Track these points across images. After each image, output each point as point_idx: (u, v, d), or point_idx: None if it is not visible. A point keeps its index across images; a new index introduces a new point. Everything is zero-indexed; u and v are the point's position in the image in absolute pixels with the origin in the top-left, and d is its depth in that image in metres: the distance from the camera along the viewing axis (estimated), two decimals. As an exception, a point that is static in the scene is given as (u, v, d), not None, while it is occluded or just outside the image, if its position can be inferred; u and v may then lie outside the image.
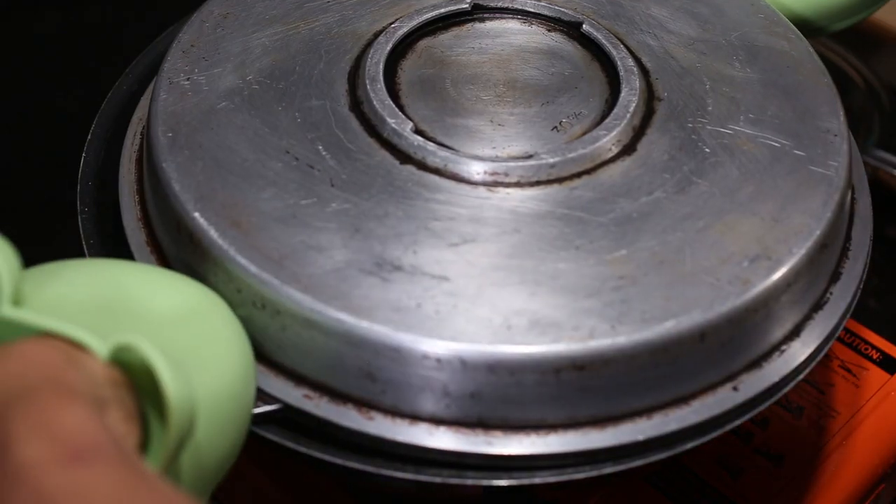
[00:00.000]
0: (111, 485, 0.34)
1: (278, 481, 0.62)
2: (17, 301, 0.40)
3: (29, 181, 0.79)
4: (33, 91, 0.80)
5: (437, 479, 0.46)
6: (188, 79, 0.54)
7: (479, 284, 0.46)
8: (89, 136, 0.58)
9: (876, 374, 0.62)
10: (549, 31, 0.57)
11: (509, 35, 0.57)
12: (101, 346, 0.39)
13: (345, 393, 0.45)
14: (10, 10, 0.82)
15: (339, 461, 0.46)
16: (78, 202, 0.55)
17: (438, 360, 0.44)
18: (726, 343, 0.46)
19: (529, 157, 0.50)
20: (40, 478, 0.33)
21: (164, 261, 0.50)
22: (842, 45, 0.92)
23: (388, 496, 0.58)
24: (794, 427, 0.59)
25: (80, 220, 0.54)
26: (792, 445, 0.59)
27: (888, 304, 0.80)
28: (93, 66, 0.80)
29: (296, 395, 0.46)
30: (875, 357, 0.62)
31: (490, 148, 0.51)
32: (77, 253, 0.50)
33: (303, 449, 0.46)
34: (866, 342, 0.63)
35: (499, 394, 0.44)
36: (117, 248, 0.52)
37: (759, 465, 0.58)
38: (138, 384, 0.39)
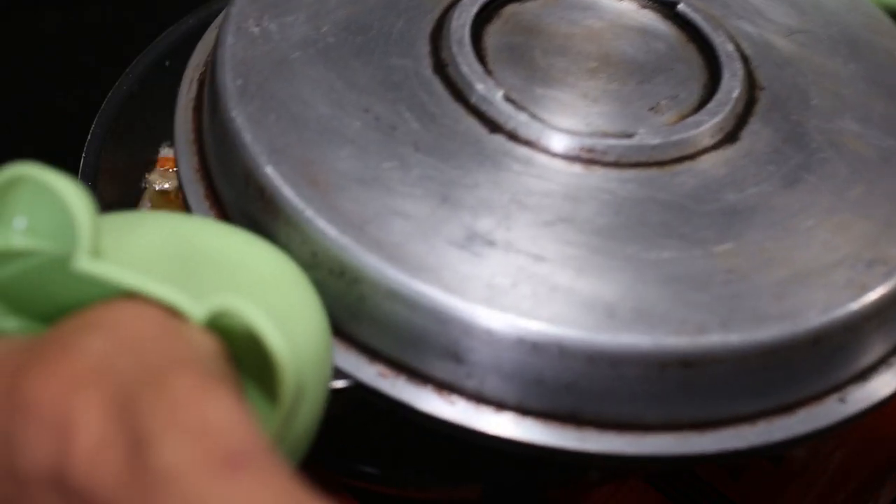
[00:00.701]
0: (268, 496, 0.29)
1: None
2: (94, 254, 0.34)
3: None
4: (33, 91, 0.78)
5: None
6: (258, 25, 0.50)
7: (579, 267, 0.42)
8: (89, 136, 0.57)
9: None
10: (641, 7, 0.54)
11: (599, 9, 0.53)
12: (198, 311, 0.34)
13: (425, 373, 0.42)
14: (10, 10, 0.79)
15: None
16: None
17: (535, 346, 0.40)
18: (838, 350, 0.43)
19: (629, 136, 0.47)
20: (191, 486, 0.29)
21: (225, 216, 0.46)
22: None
23: (388, 496, 0.54)
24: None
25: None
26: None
27: None
28: (93, 66, 0.78)
29: (370, 373, 0.42)
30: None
31: (584, 124, 0.48)
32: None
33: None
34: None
35: (596, 386, 0.41)
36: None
37: (759, 465, 0.57)
38: (234, 353, 0.35)
